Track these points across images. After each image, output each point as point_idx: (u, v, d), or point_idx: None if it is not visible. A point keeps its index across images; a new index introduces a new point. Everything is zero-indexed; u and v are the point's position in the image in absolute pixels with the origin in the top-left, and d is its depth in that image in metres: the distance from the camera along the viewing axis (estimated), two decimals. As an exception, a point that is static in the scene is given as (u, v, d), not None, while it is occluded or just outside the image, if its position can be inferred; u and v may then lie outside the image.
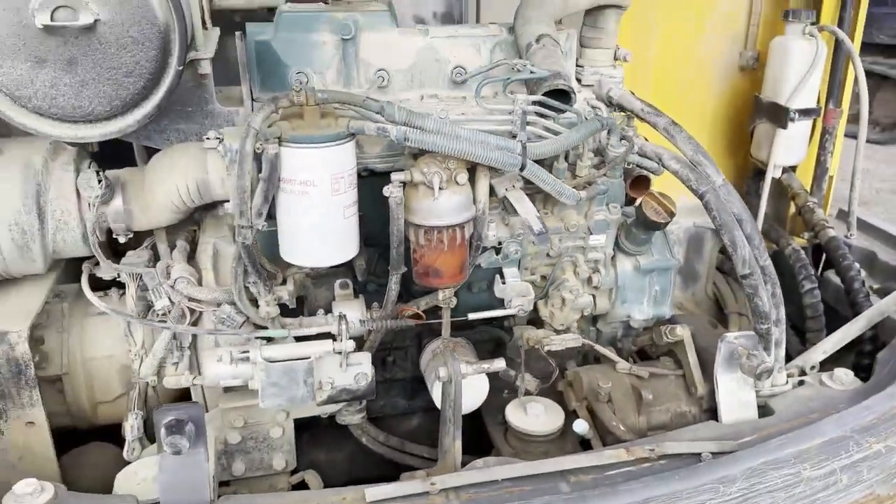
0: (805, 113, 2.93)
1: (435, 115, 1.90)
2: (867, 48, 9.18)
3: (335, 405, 2.10)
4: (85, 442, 2.31)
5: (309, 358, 1.86)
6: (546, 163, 2.06)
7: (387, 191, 1.84)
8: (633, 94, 2.29)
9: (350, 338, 1.95)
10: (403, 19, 2.61)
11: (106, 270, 2.10)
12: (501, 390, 2.31)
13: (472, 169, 1.94)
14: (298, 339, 1.97)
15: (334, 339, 1.90)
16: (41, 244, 1.95)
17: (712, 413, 2.12)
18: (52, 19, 1.54)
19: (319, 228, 1.84)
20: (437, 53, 2.20)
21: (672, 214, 2.07)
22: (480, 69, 2.12)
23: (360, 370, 1.94)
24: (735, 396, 2.07)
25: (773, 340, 2.11)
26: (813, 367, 2.30)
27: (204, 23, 2.20)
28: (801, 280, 2.92)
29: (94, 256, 2.04)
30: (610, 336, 2.43)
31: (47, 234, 1.96)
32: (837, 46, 2.96)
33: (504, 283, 2.09)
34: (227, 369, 1.87)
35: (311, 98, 1.79)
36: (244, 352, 1.85)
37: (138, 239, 2.19)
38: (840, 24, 2.94)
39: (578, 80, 2.39)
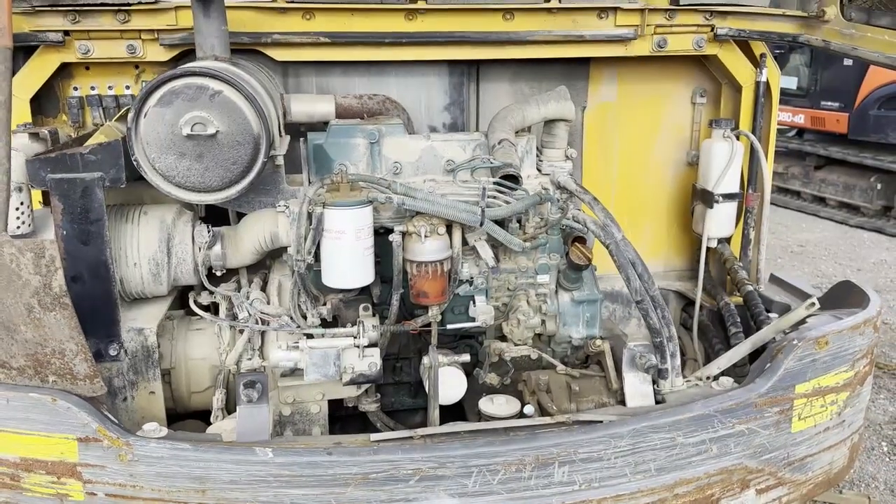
0: (728, 196, 3.81)
1: (426, 190, 2.90)
2: (886, 148, 10.19)
3: (356, 387, 3.01)
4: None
5: (337, 347, 2.80)
6: (505, 223, 3.03)
7: (391, 237, 2.82)
8: (573, 179, 3.25)
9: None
10: (420, 128, 3.66)
11: (206, 296, 3.11)
12: (480, 394, 3.19)
13: (450, 225, 2.91)
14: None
15: (355, 338, 2.85)
16: (167, 273, 2.97)
17: (625, 402, 2.95)
18: (191, 130, 2.60)
19: (347, 262, 2.82)
20: (435, 151, 3.21)
21: (589, 260, 2.98)
22: (463, 162, 3.11)
23: (371, 360, 2.87)
24: (637, 388, 2.91)
25: (669, 352, 2.95)
26: (708, 377, 3.11)
27: (280, 132, 3.29)
28: (729, 326, 3.73)
29: (197, 287, 3.06)
30: (562, 353, 3.30)
31: (172, 266, 2.98)
32: (752, 147, 3.86)
33: (475, 306, 3.01)
34: (283, 354, 2.82)
35: (345, 178, 2.81)
36: (295, 342, 2.81)
37: (229, 276, 3.21)
38: (753, 130, 3.85)
39: (539, 170, 3.37)
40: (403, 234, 2.86)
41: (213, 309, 3.16)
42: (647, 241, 4.07)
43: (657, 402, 2.91)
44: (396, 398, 3.39)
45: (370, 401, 3.13)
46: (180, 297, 3.24)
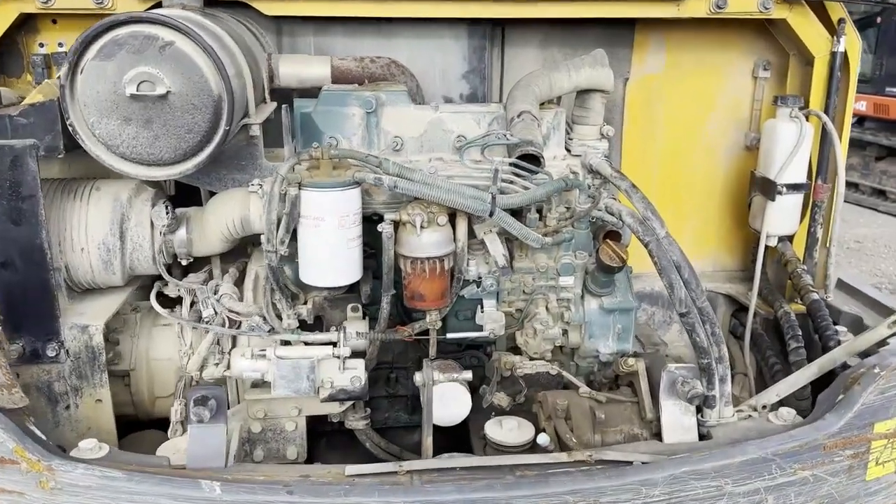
0: (793, 187, 3.24)
1: (425, 170, 2.39)
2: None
3: (338, 404, 2.53)
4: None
5: (312, 358, 2.32)
6: (523, 213, 2.51)
7: (380, 227, 2.32)
8: (608, 162, 2.71)
9: (351, 350, 2.41)
10: (434, 99, 3.15)
11: (171, 288, 2.66)
12: (488, 413, 2.69)
13: (454, 213, 2.40)
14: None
15: (334, 347, 2.36)
16: (121, 261, 2.53)
17: (660, 436, 2.43)
18: (137, 90, 2.13)
19: (327, 254, 2.33)
20: (443, 124, 2.70)
21: (623, 261, 2.44)
22: (474, 138, 2.59)
23: (355, 374, 2.39)
24: (677, 420, 2.38)
25: (717, 376, 2.42)
26: (764, 407, 2.57)
27: (266, 97, 2.81)
28: (789, 339, 3.16)
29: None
30: (586, 370, 2.78)
31: (126, 253, 2.53)
32: (825, 129, 3.28)
33: (483, 311, 2.50)
34: (248, 363, 2.36)
35: (326, 154, 2.31)
36: (262, 350, 2.34)
37: (202, 265, 2.76)
38: (826, 110, 3.26)
39: (567, 150, 2.83)
40: (395, 223, 2.36)
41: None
42: (694, 236, 3.60)
43: (701, 438, 2.40)
44: (391, 413, 2.91)
45: (358, 417, 2.65)
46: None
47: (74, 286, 2.58)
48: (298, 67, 2.85)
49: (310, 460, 2.77)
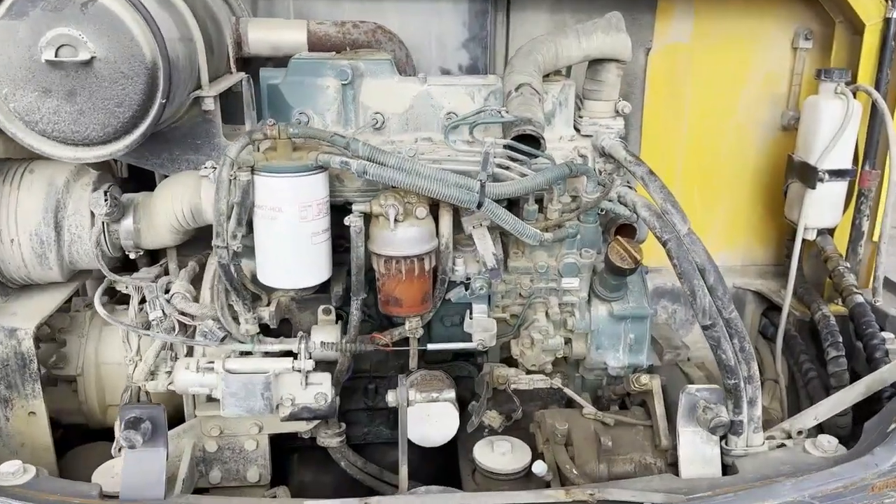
0: (836, 174, 2.84)
1: (403, 153, 2.02)
2: None
3: (304, 423, 2.20)
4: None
5: (267, 373, 1.99)
6: (520, 204, 2.14)
7: (347, 220, 1.97)
8: (623, 144, 2.33)
9: (316, 360, 2.07)
10: (430, 71, 2.78)
11: (121, 284, 2.33)
12: (482, 429, 2.35)
13: (437, 205, 2.04)
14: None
15: (296, 358, 2.02)
16: (57, 254, 2.20)
17: (677, 467, 2.07)
18: (56, 55, 1.79)
19: (287, 252, 1.99)
20: (431, 99, 2.33)
21: (637, 262, 2.07)
22: (464, 116, 2.22)
23: (320, 390, 2.05)
24: (697, 450, 2.02)
25: (746, 398, 2.05)
26: (800, 433, 2.20)
27: (230, 66, 2.46)
28: (827, 347, 2.80)
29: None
30: (594, 384, 2.42)
31: (63, 245, 2.21)
32: (875, 107, 2.86)
33: (471, 318, 2.15)
34: (194, 377, 2.03)
35: (283, 132, 1.95)
36: (209, 362, 2.00)
37: (158, 258, 2.43)
38: (877, 85, 2.85)
39: (577, 130, 2.45)
40: (365, 215, 2.00)
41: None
42: (723, 226, 3.32)
43: (725, 470, 2.03)
44: (371, 428, 2.57)
45: (331, 434, 2.33)
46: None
47: (7, 282, 2.27)
48: (269, 32, 2.50)
49: (278, 480, 2.46)
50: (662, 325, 3.12)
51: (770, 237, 3.39)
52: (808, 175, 2.87)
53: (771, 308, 3.36)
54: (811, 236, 3.01)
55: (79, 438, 2.63)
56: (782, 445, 2.14)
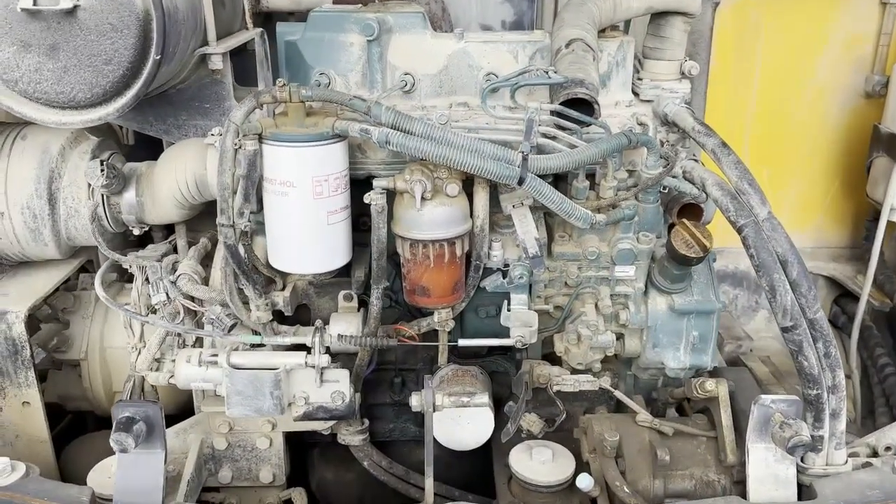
0: (931, 147, 2.50)
1: (434, 119, 1.75)
2: None
3: (320, 423, 1.97)
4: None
5: (277, 369, 1.75)
6: (568, 180, 1.85)
7: (367, 198, 1.71)
8: (690, 111, 2.02)
9: (334, 353, 1.84)
10: (470, 27, 2.50)
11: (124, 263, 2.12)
12: (520, 432, 2.09)
13: (471, 181, 1.76)
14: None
15: (309, 352, 1.79)
16: (52, 229, 2.00)
17: (744, 487, 1.79)
18: (34, 3, 1.55)
19: (299, 232, 1.74)
20: (469, 59, 2.05)
21: (706, 249, 1.77)
22: (506, 77, 1.93)
23: (337, 388, 1.82)
24: (769, 470, 1.74)
25: (828, 410, 1.76)
26: (888, 449, 1.91)
27: (245, 23, 2.20)
28: (911, 341, 2.49)
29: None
30: (648, 385, 2.14)
31: (59, 219, 2.00)
32: (980, 71, 2.51)
33: (509, 310, 1.88)
34: (196, 371, 1.81)
35: (295, 95, 1.70)
36: (213, 355, 1.78)
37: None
38: (985, 45, 2.49)
39: (636, 95, 2.15)
40: (388, 192, 1.73)
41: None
42: (795, 203, 3.09)
43: (801, 493, 1.75)
44: (397, 425, 2.33)
45: (353, 431, 2.09)
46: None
47: (2, 259, 2.07)
48: (290, -17, 2.23)
49: (297, 478, 2.25)
50: (723, 313, 2.82)
51: (846, 217, 3.10)
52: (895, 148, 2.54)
53: (843, 295, 3.10)
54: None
55: (93, 424, 2.47)
56: (868, 465, 1.85)
